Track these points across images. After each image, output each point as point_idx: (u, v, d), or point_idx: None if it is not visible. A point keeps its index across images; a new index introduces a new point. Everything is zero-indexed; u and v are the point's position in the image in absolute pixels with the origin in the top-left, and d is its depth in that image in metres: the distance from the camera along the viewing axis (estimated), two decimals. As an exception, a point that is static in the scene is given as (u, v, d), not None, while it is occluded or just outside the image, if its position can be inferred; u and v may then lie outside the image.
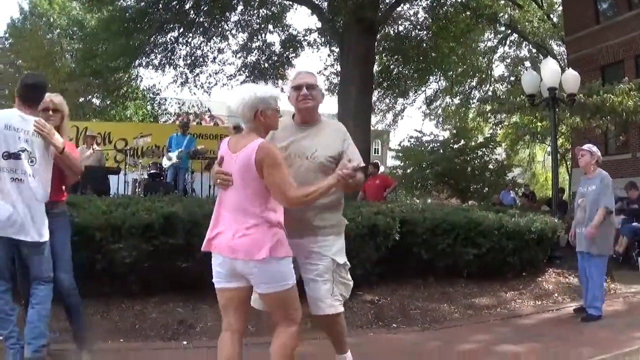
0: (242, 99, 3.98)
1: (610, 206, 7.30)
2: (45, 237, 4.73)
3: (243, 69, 23.51)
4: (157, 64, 22.36)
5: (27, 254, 4.70)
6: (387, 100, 26.32)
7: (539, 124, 21.73)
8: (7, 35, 28.84)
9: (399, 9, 21.08)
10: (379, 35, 20.39)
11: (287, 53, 23.45)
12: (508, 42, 26.93)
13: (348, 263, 4.55)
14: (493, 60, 26.64)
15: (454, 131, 23.50)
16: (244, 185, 3.91)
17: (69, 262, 5.11)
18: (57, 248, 4.96)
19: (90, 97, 25.88)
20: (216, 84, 24.28)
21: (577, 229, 7.55)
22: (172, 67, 22.82)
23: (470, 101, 26.90)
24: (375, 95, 23.00)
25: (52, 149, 4.78)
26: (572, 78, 12.02)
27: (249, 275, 3.92)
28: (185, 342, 6.07)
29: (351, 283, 4.58)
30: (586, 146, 7.61)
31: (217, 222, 4.07)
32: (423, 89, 26.48)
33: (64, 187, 5.27)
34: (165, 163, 14.25)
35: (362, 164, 4.42)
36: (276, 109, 4.08)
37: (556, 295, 8.52)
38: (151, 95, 26.27)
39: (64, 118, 5.24)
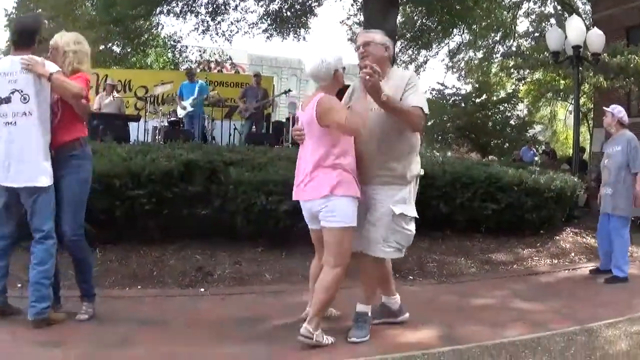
0: (322, 61, 4.49)
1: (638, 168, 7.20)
2: (41, 182, 4.57)
3: (265, 17, 23.24)
4: (178, 12, 22.16)
5: (24, 201, 4.66)
6: (409, 52, 25.99)
7: (561, 81, 21.48)
8: (25, -17, 28.67)
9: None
10: (403, -15, 20.07)
11: (309, 2, 23.15)
12: (533, -3, 26.56)
13: (412, 214, 4.71)
14: (517, 16, 26.17)
15: (476, 85, 23.36)
16: (310, 136, 4.51)
17: (75, 212, 4.84)
18: (62, 196, 4.76)
19: (110, 45, 25.71)
20: (238, 32, 23.95)
21: (602, 189, 7.51)
22: (193, 15, 22.60)
23: (494, 56, 26.53)
24: (398, 46, 22.71)
25: (45, 81, 4.58)
26: (596, 37, 11.84)
27: (319, 214, 4.43)
28: (202, 289, 6.11)
29: (411, 233, 4.71)
30: (611, 107, 7.54)
31: (298, 173, 4.67)
32: (446, 41, 26.09)
33: (76, 126, 4.90)
34: (180, 112, 14.23)
35: (421, 105, 4.54)
36: (343, 68, 4.60)
37: (573, 254, 8.49)
38: (172, 42, 26.14)
39: (65, 53, 4.85)
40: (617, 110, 7.43)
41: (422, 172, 4.86)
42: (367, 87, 4.30)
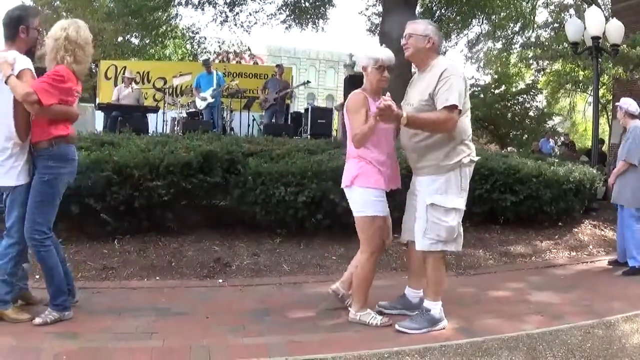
0: (357, 56, 5.03)
1: (631, 159, 7.22)
2: (3, 181, 4.48)
3: (283, 7, 23.26)
4: (196, 3, 22.22)
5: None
6: (429, 42, 25.91)
7: (581, 72, 21.32)
8: (44, -25, 28.77)
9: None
10: (422, -24, 20.03)
11: (328, -8, 23.14)
12: (553, -12, 26.33)
13: (448, 205, 4.64)
14: (537, 6, 25.97)
15: (495, 76, 23.23)
16: (346, 129, 4.92)
17: (32, 214, 4.52)
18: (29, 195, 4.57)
19: (129, 36, 25.84)
20: (256, 23, 24.03)
21: (618, 181, 7.51)
22: (211, 6, 22.66)
23: (513, 46, 26.39)
24: (416, 37, 22.63)
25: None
26: (616, 28, 11.72)
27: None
28: (220, 281, 6.15)
29: (448, 225, 4.63)
30: (620, 100, 7.61)
31: None
32: (465, 32, 25.97)
33: (52, 126, 4.58)
34: (200, 104, 14.24)
35: (450, 102, 4.49)
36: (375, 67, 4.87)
37: (591, 247, 8.45)
38: (190, 34, 26.23)
39: (55, 42, 4.56)
40: (625, 103, 7.47)
41: (469, 160, 4.75)
42: (384, 122, 4.53)
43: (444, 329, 4.70)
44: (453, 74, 4.56)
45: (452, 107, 4.48)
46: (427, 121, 4.54)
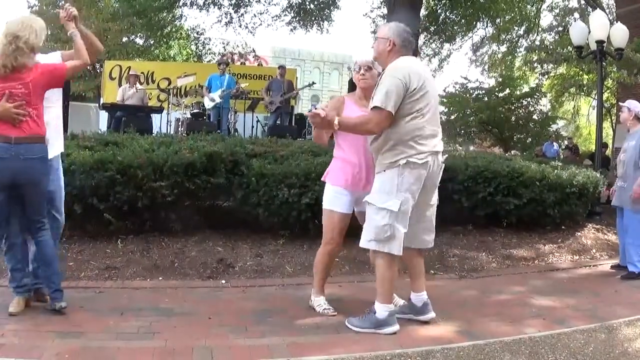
0: None
1: None
2: None
3: (288, 9, 23.31)
4: (201, 4, 22.31)
5: None
6: (433, 45, 25.89)
7: (585, 76, 21.27)
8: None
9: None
10: (427, -22, 20.04)
11: (332, -6, 23.15)
12: (557, -9, 26.28)
13: (377, 203, 4.64)
14: (541, 10, 25.94)
15: (500, 79, 23.17)
16: None
17: None
18: None
19: (133, 36, 25.89)
20: (261, 24, 24.09)
21: (619, 183, 7.46)
22: (216, 7, 22.76)
23: (517, 50, 26.36)
24: (421, 39, 22.64)
25: None
26: (620, 32, 11.72)
27: None
28: (223, 281, 6.16)
29: (375, 222, 4.63)
30: (627, 102, 7.51)
31: None
32: (470, 35, 25.97)
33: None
34: (208, 104, 14.28)
35: (373, 104, 4.60)
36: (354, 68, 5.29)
37: (594, 251, 8.43)
38: (195, 35, 26.27)
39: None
40: (634, 105, 7.38)
41: (406, 161, 4.61)
42: (317, 127, 4.96)
43: (393, 334, 4.63)
44: (388, 75, 4.61)
45: (377, 109, 4.53)
46: (356, 124, 4.73)
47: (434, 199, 5.01)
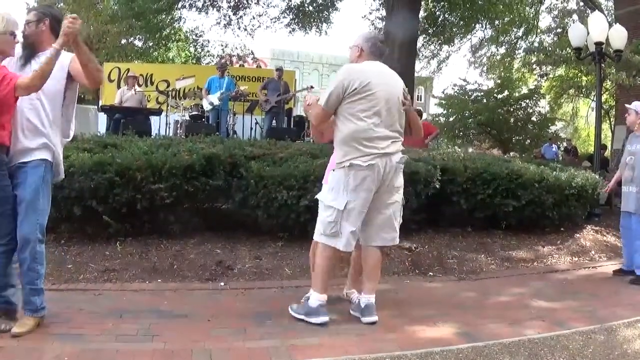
0: None
1: None
2: None
3: (287, 11, 23.31)
4: (200, 6, 22.29)
5: None
6: (431, 47, 25.90)
7: (584, 78, 21.29)
8: (47, -23, 28.75)
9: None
10: (425, -20, 20.07)
11: (331, -4, 23.16)
12: (556, -7, 26.28)
13: (324, 200, 4.92)
14: (540, 11, 25.95)
15: (498, 81, 23.20)
16: None
17: None
18: None
19: (132, 39, 25.87)
20: (259, 26, 24.09)
21: (625, 187, 7.36)
22: (215, 9, 22.73)
23: (516, 51, 26.37)
24: (420, 41, 22.65)
25: None
26: (619, 34, 11.74)
27: None
28: (222, 283, 6.14)
29: (321, 218, 4.91)
30: (633, 104, 7.41)
31: None
32: (469, 36, 25.98)
33: None
34: (207, 107, 14.27)
35: (320, 102, 4.93)
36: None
37: (593, 252, 8.43)
38: (194, 37, 26.26)
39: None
40: None
41: (350, 164, 4.77)
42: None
43: (321, 325, 4.77)
44: (335, 80, 4.89)
45: (321, 106, 4.91)
46: (311, 113, 5.13)
47: (394, 198, 5.01)
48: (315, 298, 4.86)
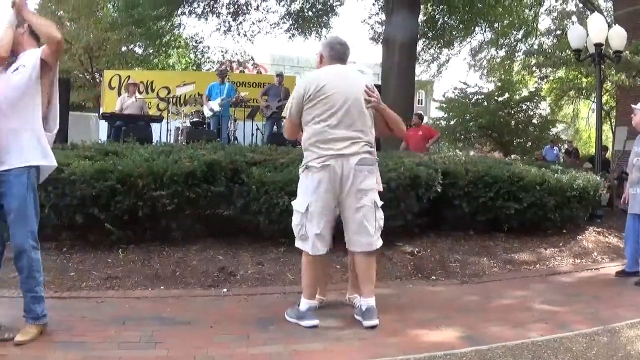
0: None
1: None
2: None
3: (286, 17, 23.39)
4: (199, 12, 22.38)
5: None
6: (431, 51, 25.95)
7: (584, 79, 21.30)
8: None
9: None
10: (424, -16, 20.11)
11: (331, 1, 23.21)
12: (555, -6, 26.32)
13: (294, 204, 5.14)
14: (539, 14, 26.00)
15: (499, 84, 23.26)
16: None
17: None
18: None
19: (132, 46, 25.93)
20: (259, 32, 24.18)
21: (631, 189, 7.28)
22: (214, 15, 22.83)
23: (516, 54, 26.42)
24: (419, 45, 22.70)
25: None
26: (618, 35, 11.75)
27: None
28: (225, 290, 6.13)
29: (293, 223, 5.10)
30: (638, 105, 7.35)
31: None
32: (468, 40, 26.07)
33: None
34: (208, 113, 14.27)
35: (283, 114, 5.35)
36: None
37: (595, 254, 8.42)
38: (194, 43, 26.33)
39: None
40: None
41: (306, 166, 4.97)
42: None
43: (311, 327, 4.85)
44: (295, 89, 5.09)
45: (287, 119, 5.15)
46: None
47: (362, 202, 4.93)
48: (304, 303, 5.01)
